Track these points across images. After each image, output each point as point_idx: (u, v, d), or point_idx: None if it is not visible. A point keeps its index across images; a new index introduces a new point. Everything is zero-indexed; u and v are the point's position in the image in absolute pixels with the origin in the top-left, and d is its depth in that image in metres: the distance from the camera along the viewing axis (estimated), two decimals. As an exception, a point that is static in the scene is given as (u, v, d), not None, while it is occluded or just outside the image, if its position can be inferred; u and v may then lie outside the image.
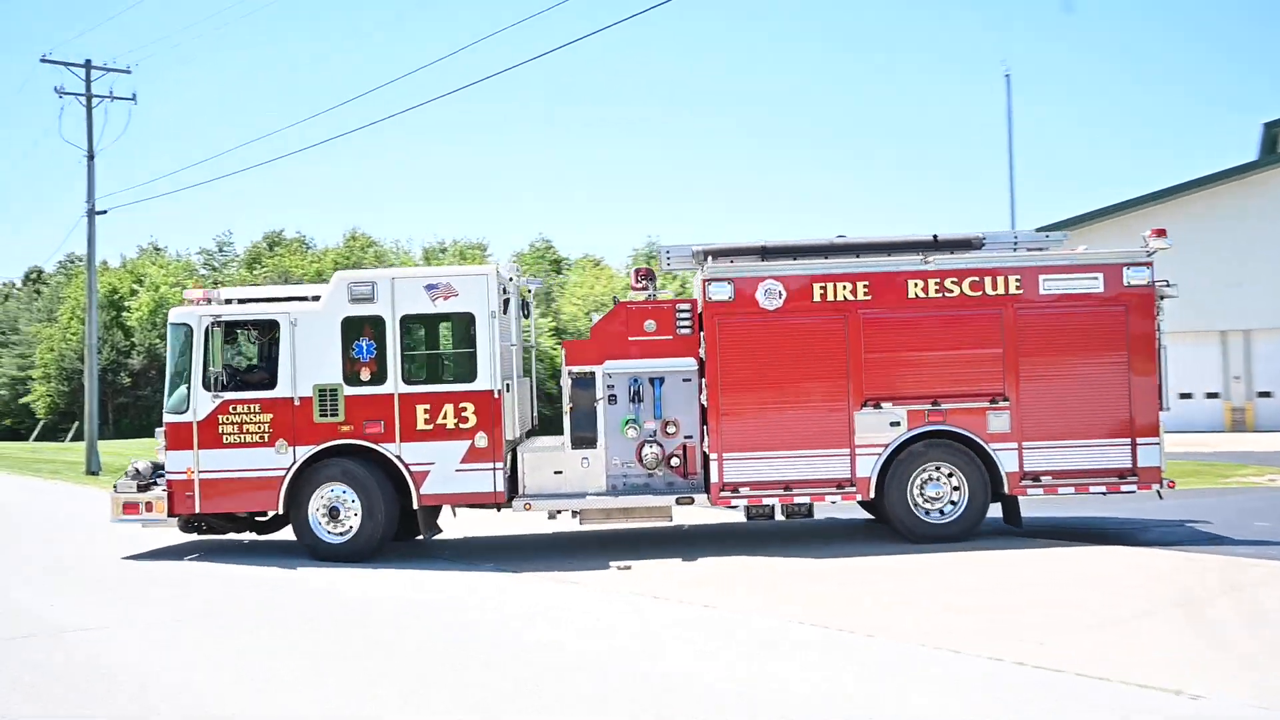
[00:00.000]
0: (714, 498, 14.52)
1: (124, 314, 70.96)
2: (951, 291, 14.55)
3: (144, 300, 68.34)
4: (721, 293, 14.59)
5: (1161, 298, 14.66)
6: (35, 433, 67.46)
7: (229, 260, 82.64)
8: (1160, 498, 14.80)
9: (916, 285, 14.57)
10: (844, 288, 14.59)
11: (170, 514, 14.66)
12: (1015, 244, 15.77)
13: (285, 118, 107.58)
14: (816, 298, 14.57)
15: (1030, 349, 14.50)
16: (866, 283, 14.58)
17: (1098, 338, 14.47)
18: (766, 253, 15.54)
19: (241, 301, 15.01)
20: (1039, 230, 19.23)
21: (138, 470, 14.94)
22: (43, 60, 37.31)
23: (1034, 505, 15.61)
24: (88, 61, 37.52)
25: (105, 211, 36.99)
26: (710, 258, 15.62)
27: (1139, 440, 14.39)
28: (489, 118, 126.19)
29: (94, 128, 37.26)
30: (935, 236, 15.48)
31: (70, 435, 63.90)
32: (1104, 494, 14.42)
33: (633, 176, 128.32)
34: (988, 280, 14.55)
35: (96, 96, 37.51)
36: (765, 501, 14.53)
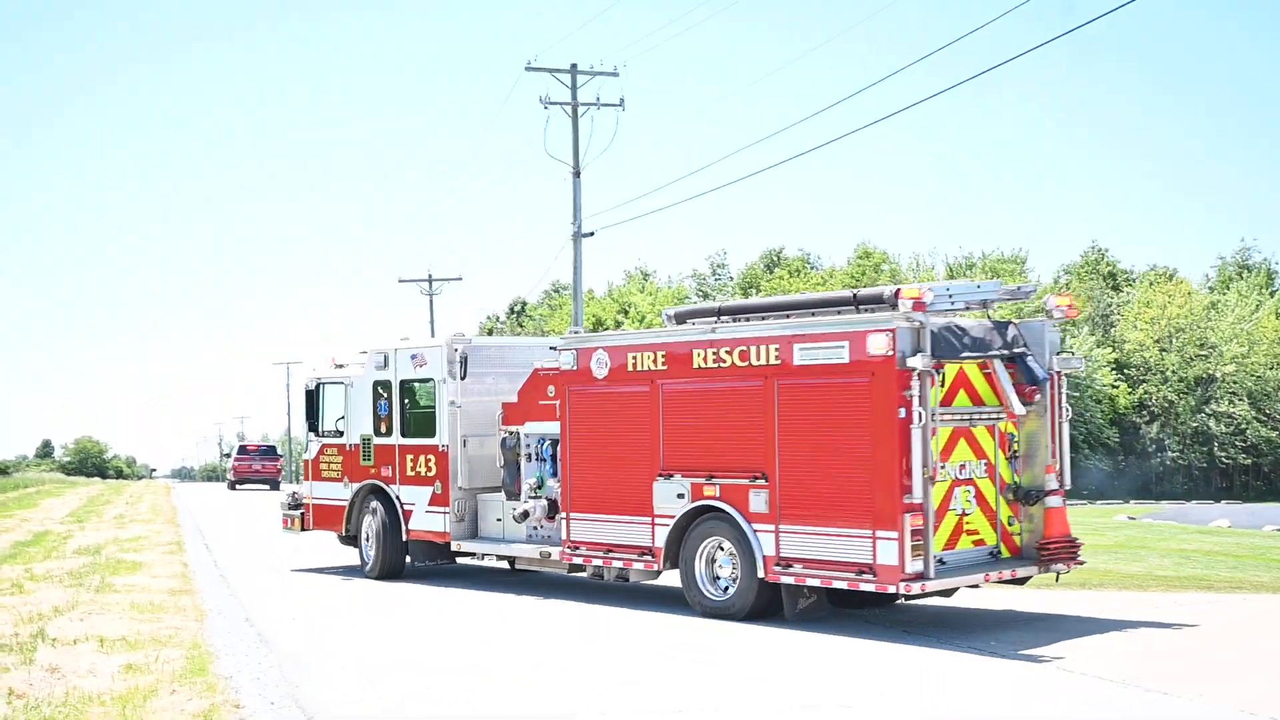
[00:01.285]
0: (563, 554, 15.54)
1: (611, 349, 67.92)
2: (724, 362, 13.87)
3: (631, 333, 62.61)
4: (568, 362, 15.55)
5: (913, 371, 12.32)
6: None
7: (723, 285, 74.19)
8: (904, 600, 12.40)
9: (700, 355, 14.13)
10: (648, 357, 14.68)
11: (302, 529, 19.67)
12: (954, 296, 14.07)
13: (782, 119, 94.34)
14: (630, 368, 14.86)
15: (786, 424, 13.26)
16: (664, 353, 14.52)
17: (842, 413, 12.76)
18: (721, 313, 15.87)
19: (339, 366, 19.44)
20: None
21: (294, 494, 20.16)
22: (528, 69, 35.51)
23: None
24: (573, 66, 35.43)
25: (592, 234, 33.63)
26: (677, 320, 16.39)
27: (878, 533, 12.43)
28: (1019, 109, 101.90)
29: (579, 140, 34.39)
30: (854, 294, 14.52)
31: None
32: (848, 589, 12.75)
33: (1212, 172, 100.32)
34: (753, 350, 13.60)
35: (582, 104, 35.24)
36: (594, 562, 15.19)
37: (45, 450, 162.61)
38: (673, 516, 14.28)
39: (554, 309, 68.08)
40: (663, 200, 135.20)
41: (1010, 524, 13.57)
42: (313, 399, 19.60)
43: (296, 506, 20.06)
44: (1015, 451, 13.63)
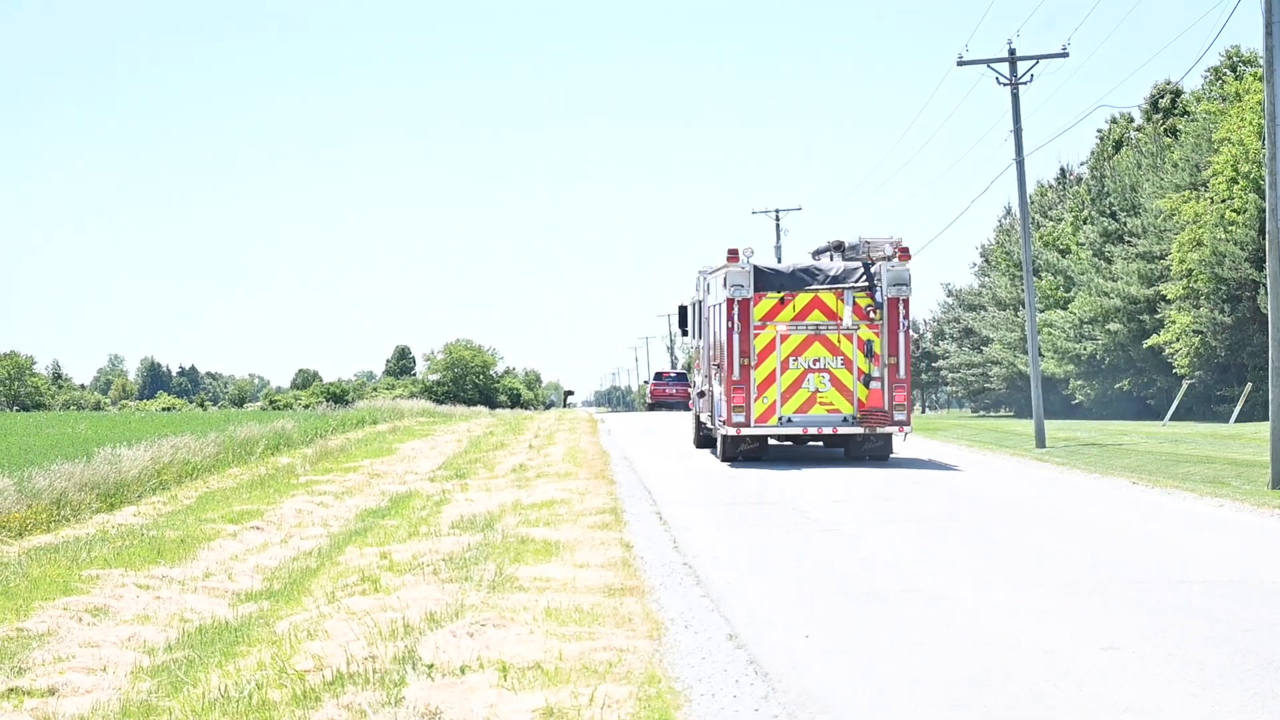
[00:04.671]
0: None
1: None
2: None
3: None
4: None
5: (732, 300, 20.52)
6: (1173, 406, 38.39)
7: None
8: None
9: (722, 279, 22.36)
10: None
11: None
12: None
13: None
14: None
15: (733, 333, 21.43)
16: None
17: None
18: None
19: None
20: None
21: None
22: None
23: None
24: None
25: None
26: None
27: (720, 397, 21.76)
28: None
29: None
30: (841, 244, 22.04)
31: (1237, 410, 36.24)
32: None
33: None
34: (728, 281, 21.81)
35: None
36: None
37: (403, 364, 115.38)
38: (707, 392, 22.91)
39: (1229, 100, 41.61)
40: None
41: (867, 401, 19.89)
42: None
43: None
44: (871, 351, 19.84)
